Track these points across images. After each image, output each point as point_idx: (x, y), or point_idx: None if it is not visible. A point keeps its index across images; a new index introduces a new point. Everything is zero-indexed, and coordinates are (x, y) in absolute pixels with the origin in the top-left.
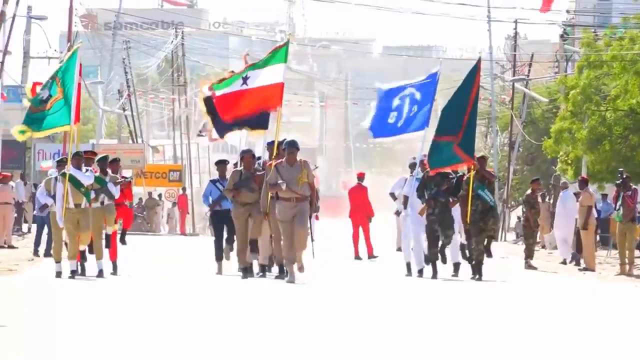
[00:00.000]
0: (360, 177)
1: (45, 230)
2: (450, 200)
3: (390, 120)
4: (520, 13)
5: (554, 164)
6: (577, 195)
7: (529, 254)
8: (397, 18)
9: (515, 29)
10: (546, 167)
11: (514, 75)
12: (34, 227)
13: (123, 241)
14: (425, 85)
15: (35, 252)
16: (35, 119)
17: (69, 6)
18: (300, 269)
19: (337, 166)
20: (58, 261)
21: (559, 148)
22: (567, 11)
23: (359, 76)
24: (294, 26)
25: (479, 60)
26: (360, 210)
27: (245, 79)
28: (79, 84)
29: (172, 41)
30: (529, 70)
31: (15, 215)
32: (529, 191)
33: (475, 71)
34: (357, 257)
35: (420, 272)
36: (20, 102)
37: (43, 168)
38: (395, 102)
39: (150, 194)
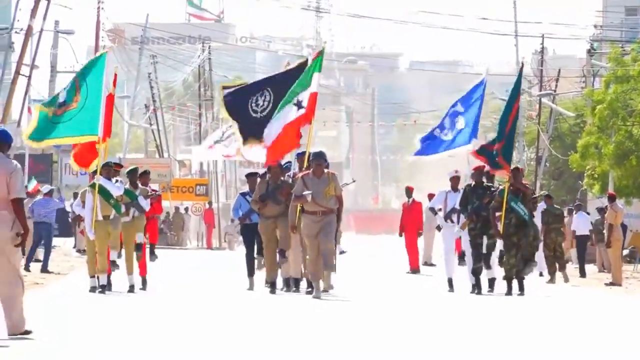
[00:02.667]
0: (412, 190)
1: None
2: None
3: (436, 134)
4: (548, 28)
5: (580, 179)
6: (603, 210)
7: (553, 269)
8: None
9: (542, 43)
10: (573, 182)
11: (540, 90)
12: (58, 240)
13: (153, 254)
14: (470, 96)
15: (27, 267)
16: (49, 124)
17: (96, 21)
18: (328, 287)
19: (364, 180)
20: (92, 276)
21: (586, 163)
22: (595, 26)
23: (385, 91)
24: (320, 41)
25: (522, 67)
26: (414, 225)
27: (299, 104)
28: (112, 96)
29: (199, 56)
30: (556, 85)
31: None
32: (543, 205)
33: (520, 80)
34: (414, 270)
35: (451, 281)
36: None
37: (29, 192)
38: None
39: (177, 208)
